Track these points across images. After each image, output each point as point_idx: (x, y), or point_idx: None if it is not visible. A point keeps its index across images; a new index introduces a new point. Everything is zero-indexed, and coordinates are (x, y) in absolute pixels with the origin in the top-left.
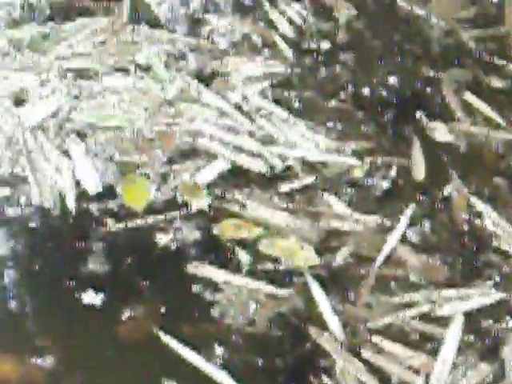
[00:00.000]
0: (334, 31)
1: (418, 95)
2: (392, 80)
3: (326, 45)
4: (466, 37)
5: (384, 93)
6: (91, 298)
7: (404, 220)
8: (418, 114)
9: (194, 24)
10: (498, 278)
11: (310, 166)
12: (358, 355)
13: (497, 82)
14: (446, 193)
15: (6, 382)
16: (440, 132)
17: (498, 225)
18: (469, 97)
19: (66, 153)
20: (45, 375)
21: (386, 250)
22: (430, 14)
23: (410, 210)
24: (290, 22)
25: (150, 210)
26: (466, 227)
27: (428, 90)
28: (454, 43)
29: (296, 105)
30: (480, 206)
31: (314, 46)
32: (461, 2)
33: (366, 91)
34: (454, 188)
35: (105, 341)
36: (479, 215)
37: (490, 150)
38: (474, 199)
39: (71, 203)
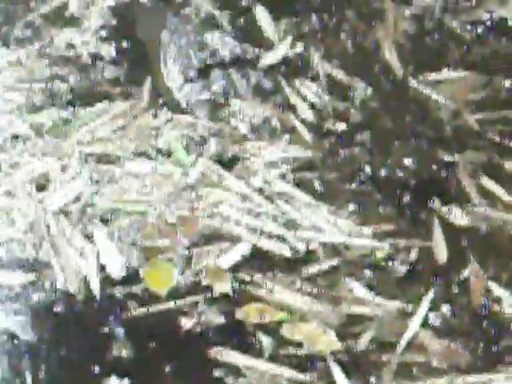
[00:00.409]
0: (350, 111)
1: (434, 178)
2: (407, 162)
3: (342, 126)
4: (471, 119)
5: (401, 174)
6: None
7: (425, 305)
8: (434, 198)
9: (215, 108)
10: None
11: (332, 249)
12: None
13: (509, 166)
14: (464, 276)
15: None
16: (456, 216)
17: None
18: (485, 181)
19: (89, 237)
20: None
21: (407, 335)
22: (441, 96)
23: (430, 295)
24: (310, 104)
25: (174, 294)
26: (485, 311)
27: (444, 172)
28: (464, 125)
29: (317, 187)
30: (498, 291)
31: (331, 127)
32: (471, 85)
33: (383, 173)
34: (472, 272)
35: None
36: (498, 300)
37: (509, 235)
38: (492, 284)
39: (96, 288)
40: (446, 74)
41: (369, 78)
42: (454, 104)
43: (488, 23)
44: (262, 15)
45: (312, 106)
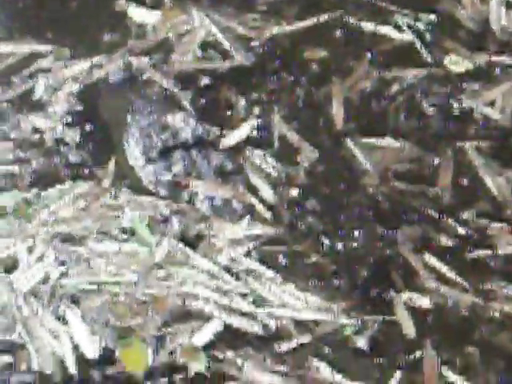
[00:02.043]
0: (300, 176)
1: (380, 255)
2: (356, 233)
3: (294, 191)
4: (396, 190)
5: (354, 247)
6: None
7: None
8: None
9: (176, 188)
10: None
11: (302, 326)
12: None
13: (445, 240)
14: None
15: None
16: (417, 298)
17: None
18: (428, 257)
19: (61, 318)
20: None
21: None
22: (367, 160)
23: (397, 377)
24: (266, 175)
25: (150, 375)
26: None
27: (388, 250)
28: (395, 197)
29: (282, 261)
30: (452, 377)
31: (285, 195)
32: (400, 156)
33: (339, 245)
34: (426, 355)
35: None
36: None
37: (460, 315)
38: (445, 370)
39: (72, 369)
40: (381, 140)
41: (315, 138)
42: (377, 171)
43: (445, 108)
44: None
45: (267, 176)
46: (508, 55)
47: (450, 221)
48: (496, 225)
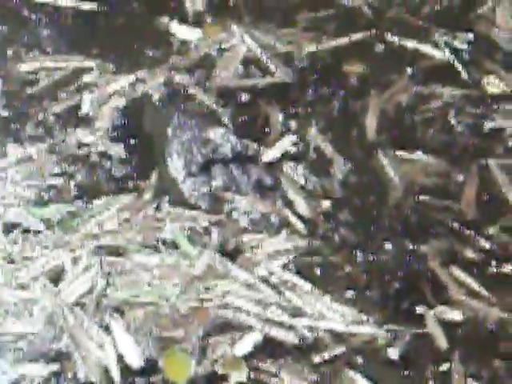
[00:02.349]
0: (334, 188)
1: (410, 268)
2: (387, 246)
3: (326, 203)
4: (423, 204)
5: (385, 260)
6: None
7: None
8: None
9: (216, 201)
10: None
11: (337, 336)
12: None
13: (471, 254)
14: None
15: None
16: (447, 312)
17: None
18: (456, 271)
19: (106, 328)
20: None
21: None
22: (395, 173)
23: None
24: (300, 187)
25: (192, 383)
26: None
27: (417, 263)
28: (422, 211)
29: (317, 273)
30: None
31: (319, 208)
32: (426, 170)
33: (370, 257)
34: (454, 369)
35: None
36: None
37: (486, 329)
38: (471, 382)
39: (117, 378)
40: (410, 153)
41: (349, 149)
42: (404, 184)
43: (475, 126)
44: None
45: (302, 188)
46: None
47: (475, 235)
48: None
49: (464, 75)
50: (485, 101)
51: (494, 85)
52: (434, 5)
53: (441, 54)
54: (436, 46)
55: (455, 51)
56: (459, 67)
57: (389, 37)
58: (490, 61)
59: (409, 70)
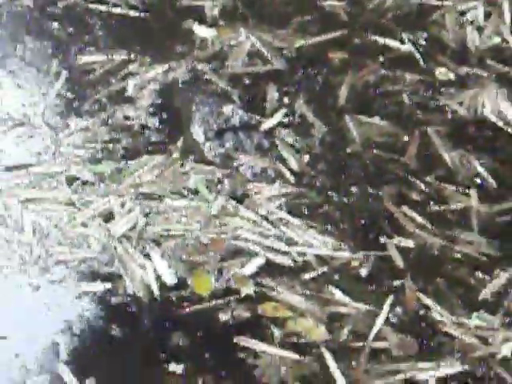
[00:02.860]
0: (313, 145)
1: (373, 207)
2: (354, 190)
3: (306, 158)
4: (377, 157)
5: (354, 201)
6: (174, 367)
7: (385, 308)
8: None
9: (227, 159)
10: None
11: (321, 260)
12: None
13: (415, 196)
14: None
15: None
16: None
17: (442, 315)
18: (405, 209)
19: (147, 255)
20: None
21: (374, 330)
22: (355, 133)
23: (389, 300)
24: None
25: (213, 296)
26: (419, 316)
27: (376, 204)
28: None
29: (304, 211)
30: (426, 300)
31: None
32: (380, 132)
33: (343, 199)
34: (407, 284)
35: None
36: (427, 307)
37: (432, 254)
38: (420, 295)
39: (156, 292)
40: (370, 118)
41: (325, 116)
42: (363, 140)
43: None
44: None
45: (292, 146)
46: (480, 69)
47: (417, 181)
48: (450, 187)
49: (421, 64)
50: (434, 85)
51: (443, 74)
52: (397, 11)
53: (404, 47)
54: (401, 41)
55: (415, 46)
56: (418, 58)
57: (364, 34)
58: (442, 55)
59: (381, 58)
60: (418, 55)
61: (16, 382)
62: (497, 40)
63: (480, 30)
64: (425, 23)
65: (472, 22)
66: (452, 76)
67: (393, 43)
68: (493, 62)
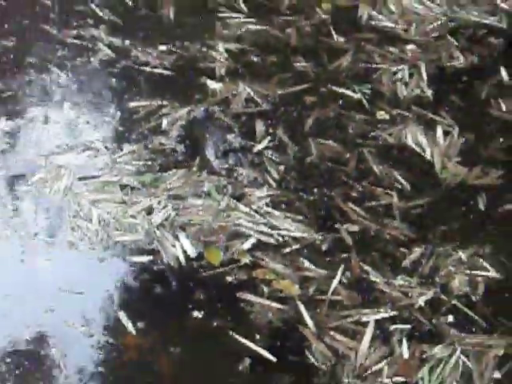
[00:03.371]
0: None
1: (328, 204)
2: (315, 190)
3: (282, 168)
4: None
5: (315, 198)
6: (196, 314)
7: (339, 273)
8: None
9: (231, 171)
10: None
11: (295, 239)
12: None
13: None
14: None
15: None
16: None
17: (377, 277)
18: (351, 205)
19: (176, 237)
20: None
21: (331, 288)
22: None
23: (341, 268)
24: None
25: (222, 264)
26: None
27: (331, 202)
28: None
29: (283, 207)
30: (366, 267)
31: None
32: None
33: (310, 197)
34: (352, 256)
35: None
36: (367, 272)
37: (373, 234)
38: (362, 264)
39: (183, 262)
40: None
41: (297, 140)
42: (319, 157)
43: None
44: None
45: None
46: (407, 111)
47: (357, 185)
48: (379, 189)
49: (367, 108)
50: (374, 122)
51: (381, 115)
52: (349, 71)
53: (356, 96)
54: (353, 91)
55: (363, 95)
56: (364, 103)
57: (327, 86)
58: (381, 102)
59: (340, 102)
60: (364, 101)
61: (87, 327)
62: (418, 92)
63: (406, 84)
64: (369, 79)
65: (401, 79)
66: (387, 116)
67: (347, 92)
68: (415, 107)
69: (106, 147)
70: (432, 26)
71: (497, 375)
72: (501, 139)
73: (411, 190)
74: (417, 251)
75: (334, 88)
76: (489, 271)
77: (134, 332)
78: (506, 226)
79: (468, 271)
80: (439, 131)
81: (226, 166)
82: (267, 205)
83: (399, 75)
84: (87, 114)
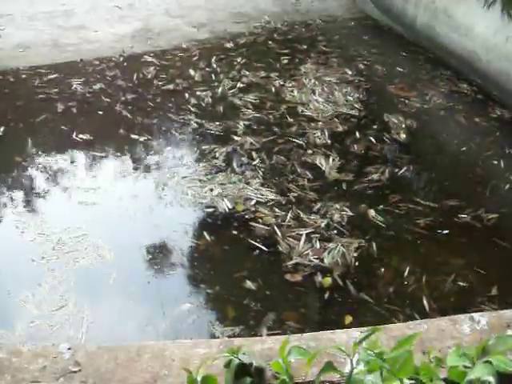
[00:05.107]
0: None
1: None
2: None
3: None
4: None
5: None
6: (235, 231)
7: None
8: None
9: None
10: None
11: (271, 199)
12: None
13: None
14: None
15: None
16: None
17: None
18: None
19: (223, 199)
20: None
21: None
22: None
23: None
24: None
25: (244, 210)
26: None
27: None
28: None
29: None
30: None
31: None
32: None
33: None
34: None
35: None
36: None
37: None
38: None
39: (226, 209)
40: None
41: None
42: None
43: None
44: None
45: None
46: None
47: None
48: None
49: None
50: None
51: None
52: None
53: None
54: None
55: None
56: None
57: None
58: None
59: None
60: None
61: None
62: None
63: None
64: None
65: None
66: None
67: None
68: None
69: (191, 164)
70: None
71: None
72: None
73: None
74: None
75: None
76: None
77: (209, 239)
78: None
79: None
80: None
81: (242, 171)
82: (259, 185)
83: None
84: (190, 155)
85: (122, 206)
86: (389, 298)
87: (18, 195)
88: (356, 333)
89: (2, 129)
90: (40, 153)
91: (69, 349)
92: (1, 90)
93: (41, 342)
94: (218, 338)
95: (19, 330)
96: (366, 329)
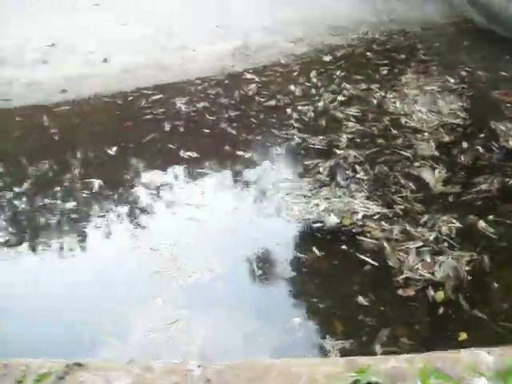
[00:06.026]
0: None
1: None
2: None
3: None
4: None
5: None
6: (342, 246)
7: None
8: None
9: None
10: None
11: (377, 212)
12: None
13: None
14: None
15: None
16: None
17: None
18: None
19: (329, 214)
20: None
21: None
22: None
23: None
24: None
25: (351, 224)
26: None
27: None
28: None
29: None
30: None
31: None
32: None
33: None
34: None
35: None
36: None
37: None
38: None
39: (334, 224)
40: None
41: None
42: None
43: None
44: None
45: None
46: None
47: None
48: None
49: None
50: None
51: None
52: None
53: None
54: None
55: None
56: None
57: None
58: None
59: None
60: None
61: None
62: None
63: None
64: None
65: None
66: None
67: None
68: None
69: (295, 179)
70: None
71: None
72: None
73: None
74: None
75: None
76: None
77: (318, 253)
78: None
79: None
80: None
81: (346, 185)
82: (364, 198)
83: None
84: (294, 170)
85: (229, 221)
86: (504, 315)
87: (130, 212)
88: (481, 352)
89: (114, 148)
90: (149, 171)
91: (199, 366)
92: (111, 112)
93: (155, 356)
94: (329, 351)
95: (133, 342)
96: (490, 348)
